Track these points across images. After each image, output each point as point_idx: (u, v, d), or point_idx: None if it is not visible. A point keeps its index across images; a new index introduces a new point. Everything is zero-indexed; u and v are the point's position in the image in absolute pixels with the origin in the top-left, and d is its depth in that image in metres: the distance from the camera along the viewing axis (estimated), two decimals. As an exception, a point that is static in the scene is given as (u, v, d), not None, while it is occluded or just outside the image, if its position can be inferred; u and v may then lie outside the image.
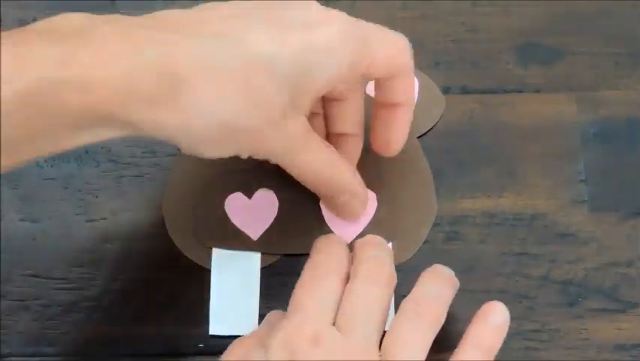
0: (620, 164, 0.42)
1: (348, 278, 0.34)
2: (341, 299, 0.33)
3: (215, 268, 0.39)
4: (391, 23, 0.44)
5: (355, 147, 0.39)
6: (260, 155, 0.33)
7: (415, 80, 0.43)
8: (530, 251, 0.40)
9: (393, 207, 0.40)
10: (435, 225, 0.40)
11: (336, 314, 0.33)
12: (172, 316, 0.39)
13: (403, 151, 0.40)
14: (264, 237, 0.40)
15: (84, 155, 0.42)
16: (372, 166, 0.40)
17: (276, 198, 0.40)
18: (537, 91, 0.43)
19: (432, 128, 0.42)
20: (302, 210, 0.40)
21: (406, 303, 0.34)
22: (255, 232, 0.40)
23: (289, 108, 0.32)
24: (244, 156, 0.33)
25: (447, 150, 0.42)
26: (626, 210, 0.41)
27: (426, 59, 0.43)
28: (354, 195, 0.38)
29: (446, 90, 0.43)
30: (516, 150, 0.42)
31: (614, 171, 0.42)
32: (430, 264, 0.39)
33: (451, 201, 0.41)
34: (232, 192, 0.40)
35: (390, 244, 0.39)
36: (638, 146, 0.42)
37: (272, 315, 0.36)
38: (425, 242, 0.40)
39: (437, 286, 0.35)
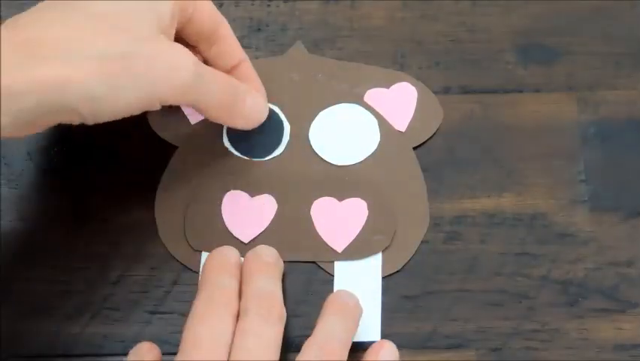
0: (620, 164, 0.42)
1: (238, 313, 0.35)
2: (233, 333, 0.33)
3: None
4: (391, 23, 0.45)
5: (249, 70, 0.41)
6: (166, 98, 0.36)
7: (414, 88, 0.43)
8: (530, 251, 0.40)
9: (384, 216, 0.40)
10: (435, 225, 0.40)
11: (230, 351, 0.33)
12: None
13: (398, 161, 0.41)
14: (256, 241, 0.40)
15: (81, 154, 0.42)
16: (364, 174, 0.41)
17: (275, 203, 0.40)
18: (537, 91, 0.43)
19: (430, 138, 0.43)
20: (294, 218, 0.40)
21: (309, 346, 0.34)
22: (246, 236, 0.40)
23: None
24: (156, 105, 0.35)
25: (447, 150, 0.42)
26: (626, 210, 0.41)
27: (426, 59, 0.44)
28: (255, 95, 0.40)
29: (446, 90, 0.43)
30: (516, 150, 0.42)
31: (614, 171, 0.42)
32: (431, 264, 0.39)
33: (451, 201, 0.41)
34: (229, 190, 0.41)
35: (380, 254, 0.39)
36: (638, 146, 0.42)
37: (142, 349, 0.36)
38: (425, 242, 0.40)
39: (341, 323, 0.35)
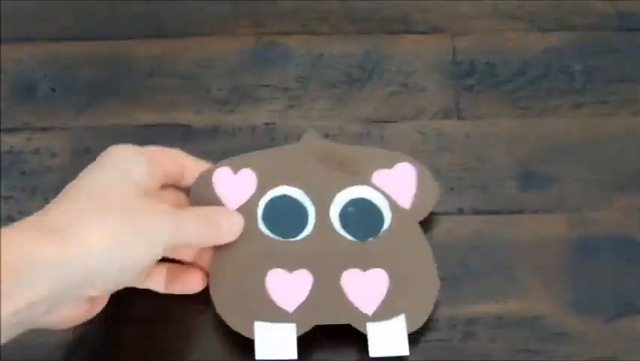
0: (604, 274, 0.48)
1: None
2: None
3: (258, 339, 0.44)
4: (414, 154, 0.50)
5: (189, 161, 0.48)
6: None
7: (413, 169, 0.49)
8: (532, 348, 0.46)
9: (403, 282, 0.45)
10: (452, 326, 0.46)
11: None
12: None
13: (408, 234, 0.47)
14: (299, 310, 0.45)
15: None
16: (381, 247, 0.46)
17: (311, 276, 0.45)
18: (535, 212, 0.50)
19: (432, 217, 0.48)
20: (328, 288, 0.45)
21: None
22: (290, 306, 0.45)
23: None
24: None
25: (461, 262, 0.48)
26: (610, 313, 0.47)
27: (443, 185, 0.50)
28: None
29: (460, 211, 0.50)
30: (518, 262, 0.48)
31: (599, 280, 0.48)
32: (449, 359, 0.46)
33: (465, 305, 0.47)
34: (271, 268, 0.45)
35: (402, 315, 0.44)
36: (619, 259, 0.48)
37: None
38: (444, 340, 0.46)
39: None
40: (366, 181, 0.48)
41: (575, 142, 0.52)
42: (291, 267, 0.46)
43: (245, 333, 0.44)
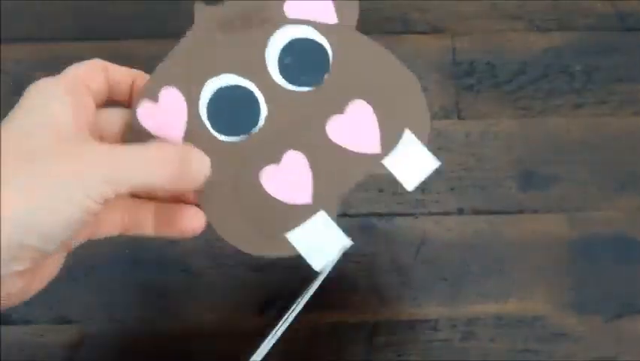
0: (604, 274, 0.48)
1: None
2: None
3: (302, 249, 0.39)
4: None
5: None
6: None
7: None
8: (531, 348, 0.46)
9: (385, 97, 0.40)
10: (452, 325, 0.47)
11: None
12: None
13: (356, 49, 0.41)
14: (316, 194, 0.40)
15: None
16: (341, 77, 0.40)
17: (298, 152, 0.40)
18: (535, 212, 0.50)
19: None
20: (324, 151, 0.40)
21: None
22: (306, 196, 0.40)
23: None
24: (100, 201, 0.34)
25: (461, 262, 0.49)
26: (610, 313, 0.47)
27: (444, 185, 0.51)
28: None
29: (460, 211, 0.50)
30: (518, 262, 0.48)
31: (598, 280, 0.48)
32: (449, 359, 0.46)
33: (465, 305, 0.47)
34: (259, 171, 0.40)
35: (407, 130, 0.40)
36: (620, 259, 0.49)
37: None
38: (444, 340, 0.46)
39: None
40: (282, 21, 0.41)
41: (575, 142, 0.52)
42: (275, 157, 0.40)
43: (283, 252, 0.39)
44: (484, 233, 0.50)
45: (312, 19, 0.42)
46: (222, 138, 0.40)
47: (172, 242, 0.49)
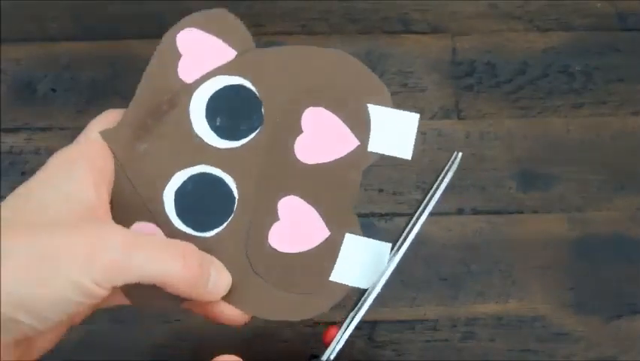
0: (604, 274, 0.48)
1: None
2: None
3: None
4: (414, 153, 0.50)
5: None
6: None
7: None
8: (532, 348, 0.46)
9: (342, 90, 0.38)
10: (452, 326, 0.47)
11: None
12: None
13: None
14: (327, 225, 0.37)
15: None
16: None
17: (293, 196, 0.37)
18: (535, 212, 0.50)
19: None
20: (312, 184, 0.37)
21: None
22: (320, 236, 0.37)
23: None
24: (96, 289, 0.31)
25: (461, 262, 0.49)
26: (610, 313, 0.47)
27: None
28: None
29: (460, 211, 0.50)
30: (518, 262, 0.49)
31: (598, 280, 0.48)
32: (449, 359, 0.46)
33: (465, 305, 0.47)
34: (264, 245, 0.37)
35: (368, 106, 0.37)
36: (619, 259, 0.49)
37: None
38: (444, 340, 0.46)
39: None
40: (189, 89, 0.38)
41: (575, 142, 0.52)
42: (270, 215, 0.37)
43: (337, 298, 0.36)
44: (484, 233, 0.50)
45: (210, 63, 0.38)
46: (209, 233, 0.37)
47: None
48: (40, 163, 0.51)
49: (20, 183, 0.51)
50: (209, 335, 0.47)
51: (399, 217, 0.50)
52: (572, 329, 0.47)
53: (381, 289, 0.35)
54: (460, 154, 0.37)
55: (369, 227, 0.50)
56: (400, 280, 0.48)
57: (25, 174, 0.51)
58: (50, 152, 0.52)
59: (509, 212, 0.50)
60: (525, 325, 0.47)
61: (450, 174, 0.37)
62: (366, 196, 0.51)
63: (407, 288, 0.48)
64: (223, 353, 0.46)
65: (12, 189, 0.50)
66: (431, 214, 0.49)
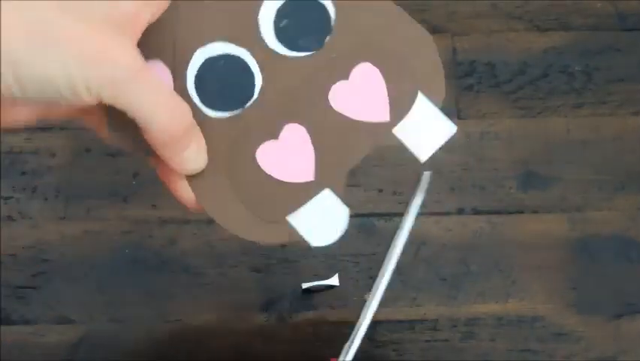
0: (604, 274, 0.48)
1: None
2: None
3: (304, 231, 0.34)
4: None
5: None
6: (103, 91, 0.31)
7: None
8: (532, 348, 0.46)
9: (393, 58, 0.36)
10: (452, 326, 0.47)
11: None
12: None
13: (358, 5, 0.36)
14: (319, 170, 0.35)
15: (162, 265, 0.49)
16: (345, 37, 0.36)
17: (297, 123, 0.35)
18: (535, 212, 0.50)
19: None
20: (328, 121, 0.35)
21: None
22: (308, 173, 0.35)
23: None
24: (83, 92, 0.31)
25: (461, 262, 0.49)
26: (610, 313, 0.47)
27: (443, 185, 0.51)
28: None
29: (460, 211, 0.50)
30: (518, 262, 0.49)
31: (599, 280, 0.48)
32: (449, 359, 0.46)
33: (465, 305, 0.47)
34: (255, 148, 0.35)
35: (419, 93, 0.35)
36: (620, 259, 0.49)
37: None
38: (444, 340, 0.46)
39: None
40: None
41: (575, 142, 0.52)
42: (273, 132, 0.36)
43: (283, 239, 0.35)
44: (484, 233, 0.50)
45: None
46: (213, 113, 0.35)
47: (172, 242, 0.49)
48: (40, 163, 0.52)
49: (20, 183, 0.52)
50: (209, 335, 0.47)
51: (399, 217, 0.50)
52: (572, 329, 0.47)
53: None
54: (429, 173, 0.36)
55: (369, 227, 0.50)
56: (399, 280, 0.48)
57: (25, 174, 0.51)
58: (50, 152, 0.54)
59: (509, 212, 0.50)
60: (525, 325, 0.47)
61: (421, 195, 0.36)
62: (366, 196, 0.51)
63: (407, 288, 0.48)
64: (222, 354, 0.46)
65: (12, 189, 0.50)
66: (432, 214, 0.49)
